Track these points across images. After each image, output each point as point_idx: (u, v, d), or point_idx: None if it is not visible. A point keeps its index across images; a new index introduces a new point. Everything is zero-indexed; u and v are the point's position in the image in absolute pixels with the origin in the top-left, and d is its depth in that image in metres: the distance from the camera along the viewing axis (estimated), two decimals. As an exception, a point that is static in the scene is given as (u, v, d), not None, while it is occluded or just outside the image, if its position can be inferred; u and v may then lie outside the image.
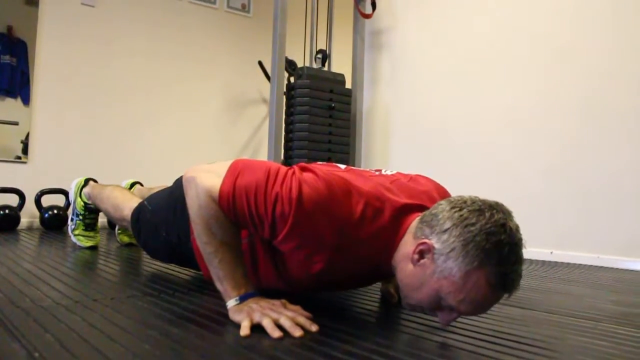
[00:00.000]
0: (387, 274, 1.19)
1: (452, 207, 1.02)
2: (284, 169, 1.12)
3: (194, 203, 1.12)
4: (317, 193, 1.05)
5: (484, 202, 1.03)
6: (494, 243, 0.95)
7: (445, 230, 0.99)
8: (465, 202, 1.03)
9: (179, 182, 1.55)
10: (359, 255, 1.12)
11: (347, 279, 1.25)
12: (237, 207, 1.08)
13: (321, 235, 1.07)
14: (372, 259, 1.14)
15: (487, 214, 0.98)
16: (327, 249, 1.09)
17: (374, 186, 1.15)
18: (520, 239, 0.99)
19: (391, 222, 1.11)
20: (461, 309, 1.00)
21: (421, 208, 1.15)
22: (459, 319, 1.18)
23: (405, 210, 1.14)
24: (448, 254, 0.98)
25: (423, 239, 1.03)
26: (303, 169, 1.16)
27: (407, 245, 1.08)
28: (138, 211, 1.72)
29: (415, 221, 1.10)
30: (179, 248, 1.53)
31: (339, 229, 1.07)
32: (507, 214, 1.00)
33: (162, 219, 1.58)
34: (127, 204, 1.84)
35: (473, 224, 0.97)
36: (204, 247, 1.12)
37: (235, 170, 1.11)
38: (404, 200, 1.15)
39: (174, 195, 1.54)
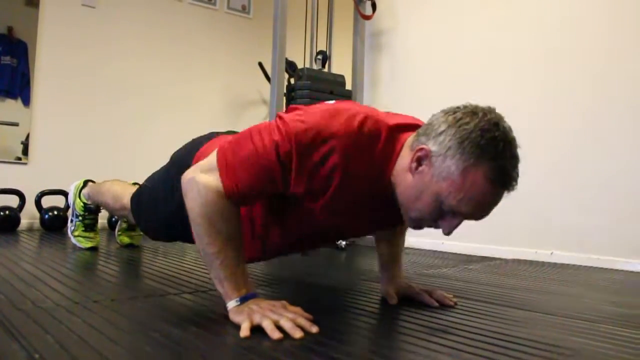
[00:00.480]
0: (391, 206, 1.16)
1: (446, 113, 1.07)
2: (265, 124, 1.12)
3: (196, 202, 1.10)
4: (308, 125, 1.05)
5: (476, 106, 1.06)
6: (488, 139, 0.99)
7: (441, 133, 1.03)
8: (458, 107, 1.07)
9: (176, 153, 1.61)
10: (361, 179, 1.10)
11: (351, 213, 1.20)
12: (245, 184, 1.08)
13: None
14: (373, 182, 1.12)
15: (480, 114, 1.02)
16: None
17: (366, 108, 1.15)
18: (514, 138, 1.04)
19: (388, 139, 1.11)
20: (462, 210, 1.03)
21: (415, 127, 1.16)
22: (457, 320, 1.18)
23: (401, 129, 1.15)
24: (445, 154, 1.01)
25: (420, 146, 1.05)
26: (290, 110, 1.16)
27: (405, 158, 1.10)
28: (137, 194, 1.74)
29: (411, 136, 1.12)
30: (179, 215, 1.48)
31: (341, 149, 1.05)
32: (499, 116, 1.04)
33: (160, 190, 1.59)
34: (126, 191, 1.85)
35: (467, 123, 1.01)
36: (206, 248, 1.11)
37: (225, 155, 1.11)
38: (397, 120, 1.17)
39: (172, 168, 1.58)
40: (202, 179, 1.10)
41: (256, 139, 1.08)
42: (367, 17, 3.42)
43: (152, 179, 1.69)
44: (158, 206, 1.59)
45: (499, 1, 2.92)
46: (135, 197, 1.74)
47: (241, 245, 1.14)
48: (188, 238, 1.63)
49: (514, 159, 1.02)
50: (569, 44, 2.62)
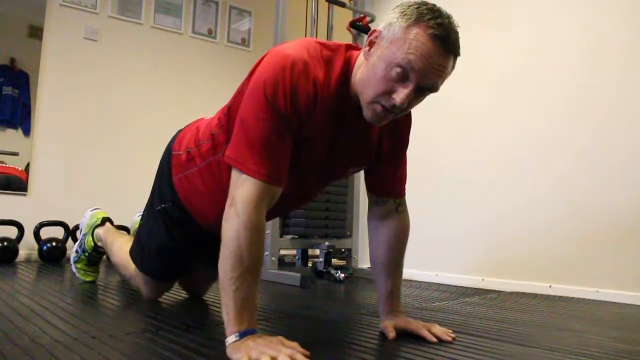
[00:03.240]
0: (360, 133, 1.31)
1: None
2: (242, 113, 1.18)
3: (233, 225, 1.11)
4: (277, 81, 1.13)
5: None
6: (427, 8, 1.10)
7: (388, 15, 1.14)
8: None
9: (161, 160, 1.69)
10: (330, 99, 1.21)
11: (327, 143, 1.29)
12: (271, 156, 1.13)
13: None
14: (339, 99, 1.22)
15: (420, 1, 1.14)
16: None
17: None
18: (452, 17, 1.13)
19: (346, 58, 1.24)
20: (412, 61, 1.08)
21: None
22: (456, 357, 1.18)
23: (352, 47, 1.27)
24: (390, 24, 1.12)
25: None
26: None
27: (360, 59, 1.21)
28: (135, 239, 1.82)
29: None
30: (172, 217, 1.62)
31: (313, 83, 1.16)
32: None
33: (150, 202, 1.71)
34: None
35: (410, 5, 1.12)
36: (227, 271, 1.11)
37: (238, 159, 1.14)
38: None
39: (156, 178, 1.71)
40: (238, 195, 1.13)
41: (251, 123, 1.14)
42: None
43: (142, 216, 1.79)
44: (154, 221, 1.68)
45: (497, 38, 2.97)
46: (133, 245, 1.82)
47: (259, 278, 1.16)
48: (186, 260, 1.73)
49: (451, 24, 1.11)
50: (572, 85, 2.65)
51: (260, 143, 1.13)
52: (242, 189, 1.13)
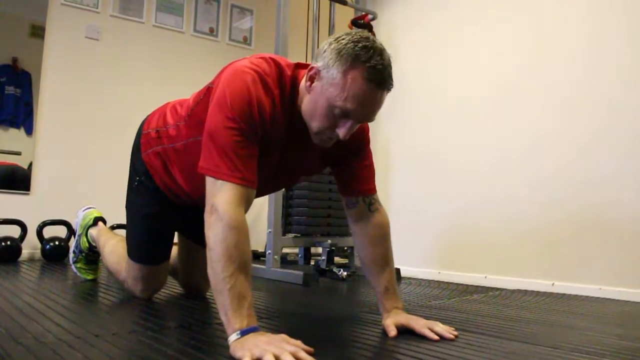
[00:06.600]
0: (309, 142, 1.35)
1: (330, 38, 1.24)
2: (211, 127, 1.25)
3: (217, 229, 1.15)
4: (241, 94, 1.23)
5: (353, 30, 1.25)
6: (360, 47, 1.17)
7: (324, 51, 1.22)
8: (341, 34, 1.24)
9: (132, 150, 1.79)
10: (280, 113, 1.30)
11: (280, 151, 1.38)
12: (244, 160, 1.20)
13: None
14: (287, 114, 1.32)
15: (353, 33, 1.22)
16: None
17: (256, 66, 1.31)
18: (384, 48, 1.21)
19: (295, 76, 1.33)
20: (349, 108, 1.18)
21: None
22: (458, 354, 1.18)
23: (300, 66, 1.35)
24: (328, 65, 1.19)
25: (311, 66, 1.25)
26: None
27: (303, 86, 1.29)
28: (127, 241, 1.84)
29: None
30: (147, 188, 1.71)
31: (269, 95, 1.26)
32: (371, 37, 1.22)
33: (129, 182, 1.79)
34: (123, 263, 1.89)
35: (343, 39, 1.20)
36: (218, 272, 1.13)
37: (211, 168, 1.20)
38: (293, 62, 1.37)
39: (130, 159, 1.80)
40: (217, 200, 1.17)
41: (220, 134, 1.20)
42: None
43: (126, 201, 1.84)
44: (135, 208, 1.76)
45: (500, 35, 2.97)
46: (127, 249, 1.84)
47: (250, 277, 1.17)
48: (171, 231, 1.80)
49: (383, 62, 1.19)
50: (576, 82, 2.65)
51: (232, 150, 1.20)
52: (220, 194, 1.18)
